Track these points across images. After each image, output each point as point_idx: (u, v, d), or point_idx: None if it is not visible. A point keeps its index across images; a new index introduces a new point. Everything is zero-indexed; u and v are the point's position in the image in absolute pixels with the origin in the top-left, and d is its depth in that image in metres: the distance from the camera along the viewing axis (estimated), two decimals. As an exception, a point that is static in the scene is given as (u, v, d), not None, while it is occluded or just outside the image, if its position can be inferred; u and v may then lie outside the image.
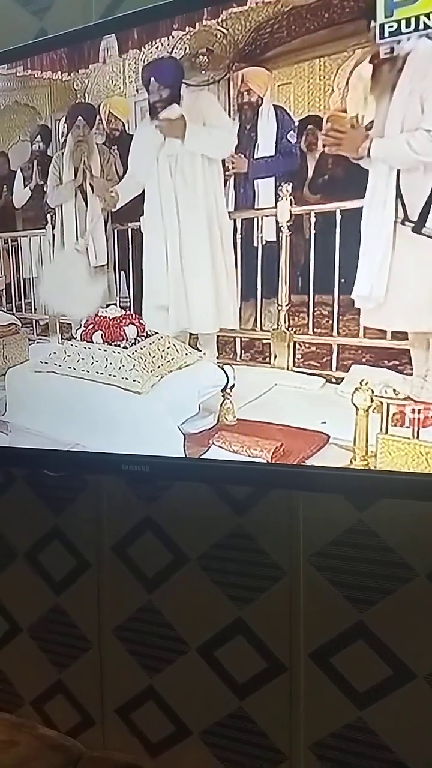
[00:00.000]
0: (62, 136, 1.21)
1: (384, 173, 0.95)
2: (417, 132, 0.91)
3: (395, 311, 0.94)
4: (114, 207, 1.18)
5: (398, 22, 0.93)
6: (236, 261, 1.08)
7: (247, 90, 1.06)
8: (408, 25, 0.92)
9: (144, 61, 1.13)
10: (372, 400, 0.96)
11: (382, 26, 0.94)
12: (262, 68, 1.04)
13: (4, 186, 1.30)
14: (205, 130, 1.09)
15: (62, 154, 1.22)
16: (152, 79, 1.12)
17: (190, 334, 1.13)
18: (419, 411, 0.93)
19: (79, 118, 1.19)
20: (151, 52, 1.11)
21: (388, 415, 0.95)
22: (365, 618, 1.17)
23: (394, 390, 0.95)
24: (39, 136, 1.24)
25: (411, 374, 0.94)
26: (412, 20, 0.92)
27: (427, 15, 0.91)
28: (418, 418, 0.93)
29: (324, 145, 1.00)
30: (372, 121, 0.96)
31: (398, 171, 0.93)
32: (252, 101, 1.06)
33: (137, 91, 1.14)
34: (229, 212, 1.08)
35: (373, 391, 0.96)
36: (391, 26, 0.93)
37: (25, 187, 1.28)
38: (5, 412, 1.32)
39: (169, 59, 1.10)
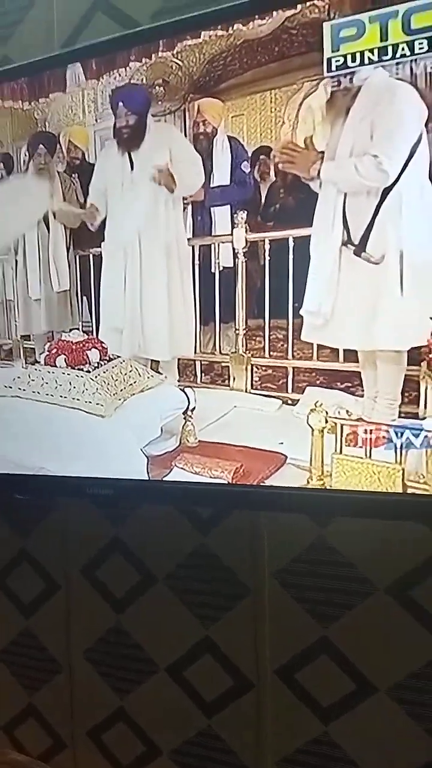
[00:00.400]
0: (24, 164, 1.23)
1: (332, 196, 0.98)
2: (365, 157, 0.95)
3: (341, 329, 0.97)
4: (74, 221, 1.20)
5: (344, 56, 0.96)
6: (194, 287, 1.11)
7: (203, 120, 1.09)
8: (354, 60, 0.96)
9: (105, 90, 1.15)
10: (326, 421, 0.99)
11: (329, 60, 0.98)
12: (217, 99, 1.07)
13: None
14: (185, 171, 1.11)
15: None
16: (120, 103, 1.14)
17: (152, 360, 1.15)
18: (371, 431, 0.96)
19: (40, 146, 1.21)
20: (109, 83, 1.13)
21: (341, 436, 0.98)
22: (329, 633, 1.18)
23: (347, 411, 0.97)
24: (1, 164, 1.26)
25: (362, 396, 0.97)
26: (357, 55, 0.96)
27: (371, 50, 0.95)
28: (370, 438, 0.96)
29: (278, 163, 1.02)
30: (326, 146, 0.99)
31: (345, 195, 0.97)
32: (207, 131, 1.09)
33: (96, 120, 1.16)
34: (187, 239, 1.11)
35: (327, 413, 0.99)
36: (338, 60, 0.97)
37: (-13, 214, 1.30)
38: (-30, 437, 1.32)
39: (138, 86, 1.12)
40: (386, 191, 0.94)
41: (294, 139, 0.99)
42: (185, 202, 1.10)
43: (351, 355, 0.98)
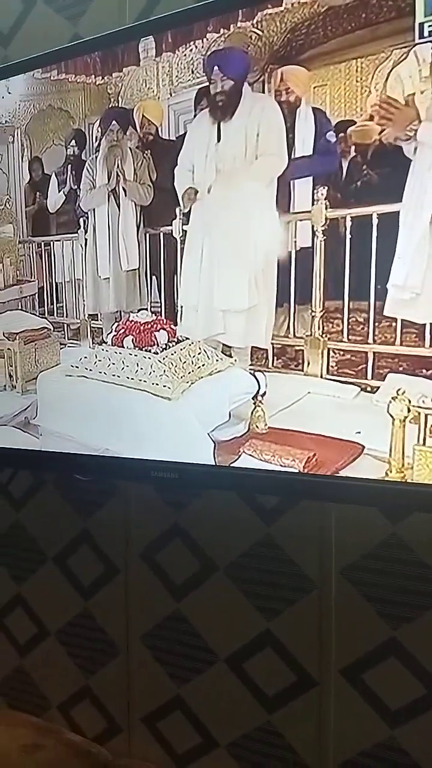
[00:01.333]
0: (96, 141, 1.21)
1: (427, 162, 0.91)
2: None
3: (430, 304, 0.91)
4: (145, 197, 1.16)
5: (439, 20, 0.90)
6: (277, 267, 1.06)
7: (286, 89, 1.03)
8: (450, 24, 0.89)
9: (181, 62, 1.11)
10: (409, 411, 0.93)
11: (421, 25, 0.91)
12: (302, 67, 1.02)
13: (38, 191, 1.31)
14: (269, 159, 1.06)
15: (96, 158, 1.22)
16: (216, 67, 1.08)
17: (223, 343, 1.11)
18: (458, 422, 0.90)
19: (113, 122, 1.19)
20: (185, 55, 1.09)
21: (425, 426, 0.92)
22: (398, 634, 1.13)
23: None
24: (73, 140, 1.24)
25: (450, 384, 0.91)
26: (454, 18, 0.89)
27: (469, 13, 0.88)
28: (458, 430, 0.90)
29: (373, 119, 0.96)
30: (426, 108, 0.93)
31: None
32: (290, 101, 1.03)
33: (171, 94, 1.13)
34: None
35: (410, 401, 0.93)
36: (431, 25, 0.91)
37: (59, 191, 1.28)
38: (36, 416, 1.32)
39: (237, 50, 1.06)
40: None
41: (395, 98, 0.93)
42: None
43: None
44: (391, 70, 0.95)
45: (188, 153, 1.12)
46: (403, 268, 0.92)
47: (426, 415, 0.92)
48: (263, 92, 1.05)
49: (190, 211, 1.12)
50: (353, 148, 0.99)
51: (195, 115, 1.10)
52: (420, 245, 0.91)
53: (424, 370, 0.93)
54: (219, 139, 1.09)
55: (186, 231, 1.12)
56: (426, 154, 0.92)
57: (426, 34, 0.92)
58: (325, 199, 1.00)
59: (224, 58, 1.07)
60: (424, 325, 0.93)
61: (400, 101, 0.93)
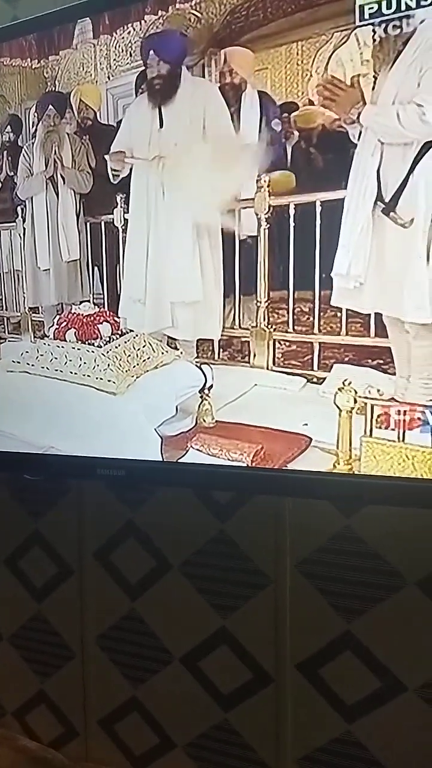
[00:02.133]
0: (32, 126, 1.16)
1: (370, 147, 0.90)
2: (409, 105, 0.86)
3: (373, 294, 0.90)
4: (84, 185, 1.12)
5: (378, 3, 0.88)
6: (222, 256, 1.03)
7: (229, 70, 1.00)
8: (389, 6, 0.87)
9: (118, 45, 1.07)
10: (355, 401, 0.91)
11: (362, 8, 0.89)
12: (246, 48, 0.99)
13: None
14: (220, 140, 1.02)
15: (32, 144, 1.17)
16: (151, 51, 1.05)
17: (167, 335, 1.08)
18: (405, 412, 0.88)
19: (50, 107, 1.14)
20: (123, 37, 1.05)
21: (372, 417, 0.90)
22: (353, 628, 1.12)
23: (378, 390, 0.90)
24: (9, 126, 1.19)
25: (395, 374, 0.89)
26: (393, 1, 0.87)
27: (409, -6, 0.86)
28: (404, 420, 0.88)
29: (314, 104, 0.93)
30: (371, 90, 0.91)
31: (382, 146, 0.89)
32: (235, 83, 1.00)
33: (109, 78, 1.09)
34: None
35: (356, 392, 0.91)
36: (372, 8, 0.89)
37: (-5, 178, 1.23)
38: (-23, 414, 1.27)
39: (174, 33, 1.03)
40: (426, 147, 0.86)
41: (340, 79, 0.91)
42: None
43: (383, 330, 0.90)
44: (332, 54, 0.92)
45: (125, 137, 1.08)
46: (346, 257, 0.90)
47: (372, 406, 0.90)
48: (203, 76, 1.01)
49: (129, 194, 1.08)
50: (297, 133, 0.97)
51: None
52: (363, 233, 0.89)
53: (369, 360, 0.91)
54: (162, 125, 1.05)
55: (127, 219, 1.09)
56: (369, 139, 0.90)
57: (366, 16, 0.90)
58: (267, 186, 0.97)
59: (160, 42, 1.04)
60: (369, 314, 0.91)
61: (345, 82, 0.91)
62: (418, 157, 0.86)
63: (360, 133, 0.91)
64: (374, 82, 0.90)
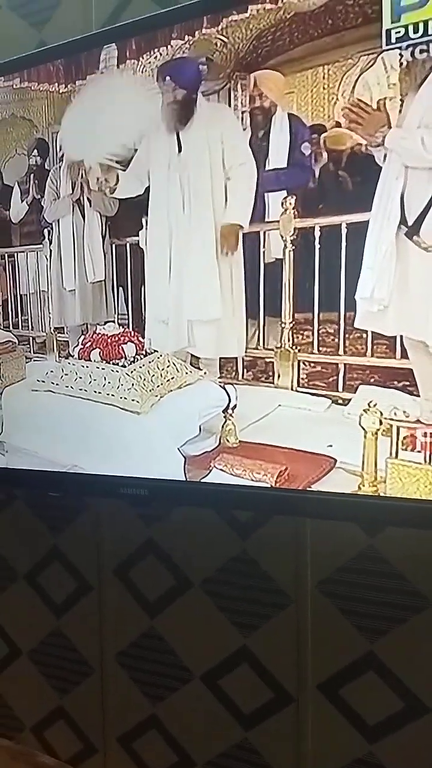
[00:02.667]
0: (59, 150, 1.18)
1: (395, 170, 0.90)
2: None
3: (397, 316, 0.90)
4: (109, 193, 1.13)
5: (405, 27, 0.89)
6: (245, 278, 1.04)
7: (259, 94, 1.01)
8: (416, 30, 0.88)
9: (145, 69, 1.09)
10: (381, 423, 0.91)
11: (388, 32, 0.90)
12: (277, 72, 1.00)
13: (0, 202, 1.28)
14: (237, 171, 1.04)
15: (59, 168, 1.19)
16: (168, 78, 1.06)
17: (192, 354, 1.09)
18: (431, 434, 0.88)
19: (77, 131, 1.16)
20: (149, 62, 1.07)
21: (398, 439, 0.90)
22: (376, 648, 1.11)
23: (404, 412, 0.90)
24: (36, 150, 1.21)
25: (420, 395, 0.89)
26: (421, 25, 0.88)
27: (436, 19, 0.87)
28: (430, 442, 0.88)
29: (341, 125, 0.94)
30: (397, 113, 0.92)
31: (406, 170, 0.89)
32: (265, 107, 1.01)
33: (136, 102, 1.10)
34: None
35: (381, 413, 0.91)
36: (398, 32, 0.89)
37: (22, 201, 1.25)
38: (2, 432, 1.28)
39: (187, 59, 1.05)
40: None
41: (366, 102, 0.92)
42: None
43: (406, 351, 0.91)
44: (358, 77, 0.93)
45: (141, 161, 1.09)
46: (370, 281, 0.91)
47: (398, 428, 0.90)
48: (229, 100, 1.02)
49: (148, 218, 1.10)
50: (326, 155, 0.97)
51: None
52: (387, 257, 0.90)
53: (395, 382, 0.91)
54: (180, 149, 1.06)
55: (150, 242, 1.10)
56: (394, 162, 0.91)
57: (393, 40, 0.91)
58: (293, 208, 0.98)
59: (175, 68, 1.06)
60: (395, 336, 0.92)
61: (372, 105, 0.91)
62: None
63: (385, 156, 0.92)
64: (401, 106, 0.91)
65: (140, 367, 1.11)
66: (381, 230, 0.90)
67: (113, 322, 1.16)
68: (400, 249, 0.90)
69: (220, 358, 1.07)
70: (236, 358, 1.06)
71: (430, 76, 0.88)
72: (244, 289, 1.04)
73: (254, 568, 1.21)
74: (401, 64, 0.90)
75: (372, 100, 0.92)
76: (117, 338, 1.12)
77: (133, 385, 1.10)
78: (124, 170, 1.12)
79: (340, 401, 0.97)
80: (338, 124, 0.95)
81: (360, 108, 0.92)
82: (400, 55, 0.90)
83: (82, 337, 1.18)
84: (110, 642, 1.40)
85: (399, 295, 0.91)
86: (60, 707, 1.48)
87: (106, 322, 1.16)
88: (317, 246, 0.97)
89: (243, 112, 1.02)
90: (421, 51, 0.89)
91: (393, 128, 0.91)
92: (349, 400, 0.96)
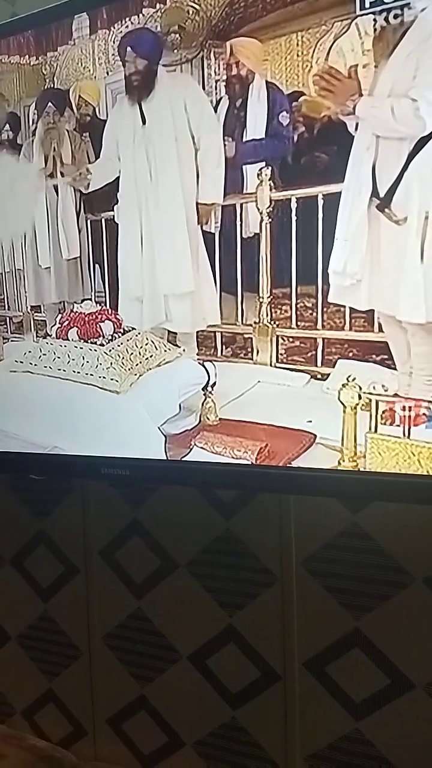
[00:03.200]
0: (32, 124, 1.16)
1: (366, 140, 0.88)
2: (403, 99, 0.84)
3: (370, 291, 0.89)
4: (85, 189, 1.11)
5: (380, -10, 0.86)
6: (218, 252, 1.02)
7: (236, 62, 0.98)
8: (391, -6, 0.86)
9: (116, 39, 1.06)
10: (360, 397, 0.90)
11: (363, -5, 0.87)
12: (254, 39, 0.97)
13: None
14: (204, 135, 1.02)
15: (32, 142, 1.16)
16: (129, 48, 1.04)
17: (168, 331, 1.07)
18: (410, 408, 0.87)
19: (49, 104, 1.13)
20: (121, 32, 1.04)
21: (377, 413, 0.89)
22: (361, 625, 1.11)
23: (383, 386, 0.88)
24: (7, 124, 1.18)
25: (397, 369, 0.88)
26: (395, -12, 0.85)
27: (411, -18, 0.84)
28: (409, 416, 0.87)
29: (314, 93, 0.92)
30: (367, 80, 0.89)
31: (377, 140, 0.87)
32: (242, 75, 0.98)
33: (107, 73, 1.07)
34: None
35: (360, 388, 0.90)
36: (373, -5, 0.87)
37: (-5, 178, 1.22)
38: (-20, 415, 1.26)
39: (148, 31, 1.02)
40: (421, 142, 0.84)
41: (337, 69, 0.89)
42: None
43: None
44: (332, 44, 0.91)
45: (111, 138, 1.08)
46: (342, 254, 0.89)
47: (377, 402, 0.89)
48: (202, 69, 1.00)
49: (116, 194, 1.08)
50: (302, 123, 0.95)
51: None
52: (359, 230, 0.88)
53: (374, 356, 0.90)
54: (144, 122, 1.04)
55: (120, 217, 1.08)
56: (365, 132, 0.88)
57: (367, 5, 0.88)
58: (269, 179, 0.96)
59: (136, 39, 1.03)
60: (372, 309, 0.90)
61: (343, 72, 0.89)
62: (413, 153, 0.84)
63: (357, 125, 0.89)
64: (374, 73, 0.88)
65: (118, 346, 1.09)
66: (353, 202, 0.88)
67: (90, 299, 1.14)
68: (372, 222, 0.88)
69: (198, 334, 1.05)
70: (215, 334, 1.04)
71: (401, 42, 0.85)
72: (218, 262, 1.02)
73: (239, 546, 1.21)
74: (375, 29, 0.87)
75: (346, 66, 0.89)
76: (94, 316, 1.11)
77: (111, 364, 1.09)
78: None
79: (319, 376, 0.95)
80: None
81: (331, 75, 0.90)
82: (374, 20, 0.88)
83: (59, 315, 1.16)
84: (98, 624, 1.40)
85: (371, 269, 0.89)
86: (49, 690, 1.48)
87: (83, 300, 1.14)
88: (294, 218, 0.95)
89: (217, 81, 0.99)
90: (395, 16, 0.86)
91: (364, 96, 0.88)
92: (328, 375, 0.94)
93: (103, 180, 1.10)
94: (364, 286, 0.89)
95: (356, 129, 0.88)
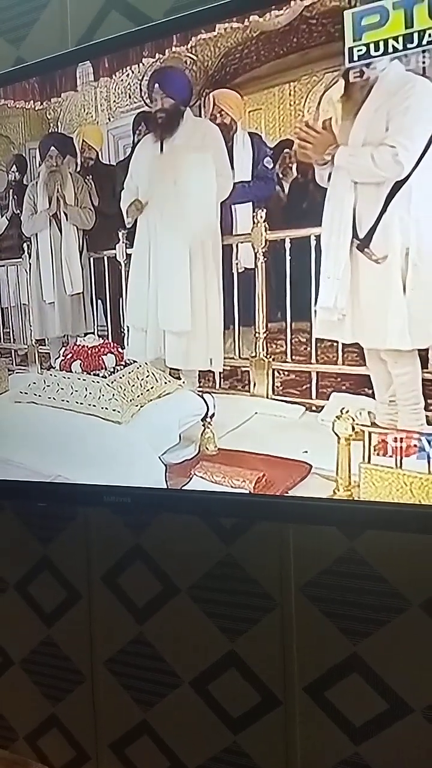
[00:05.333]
0: (37, 165, 1.20)
1: (345, 186, 0.94)
2: (381, 147, 0.91)
3: (356, 325, 0.94)
4: (87, 221, 1.16)
5: (367, 45, 0.91)
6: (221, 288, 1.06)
7: (219, 111, 1.04)
8: (377, 49, 0.91)
9: (118, 87, 1.11)
10: (353, 429, 0.93)
11: (351, 50, 0.93)
12: (234, 91, 1.02)
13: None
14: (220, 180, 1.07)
15: (36, 183, 1.21)
16: (156, 85, 1.08)
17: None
18: (401, 440, 0.90)
19: (52, 147, 1.18)
20: (122, 80, 1.09)
21: (370, 444, 0.92)
22: (359, 650, 1.13)
23: (369, 413, 0.92)
24: (14, 166, 1.24)
25: (394, 402, 0.91)
26: (381, 44, 0.90)
27: (395, 38, 0.89)
28: (401, 447, 0.90)
29: (295, 149, 0.98)
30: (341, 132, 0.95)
31: (355, 186, 0.93)
32: (226, 123, 1.04)
33: (109, 119, 1.12)
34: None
35: (354, 419, 0.93)
36: (360, 50, 0.92)
37: (2, 216, 1.27)
38: (-14, 444, 1.30)
39: (178, 69, 1.06)
40: (397, 185, 0.90)
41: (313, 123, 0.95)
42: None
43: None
44: (323, 93, 0.96)
45: (134, 175, 1.12)
46: (331, 291, 0.93)
47: (370, 434, 0.92)
48: (200, 116, 1.05)
49: (135, 228, 1.12)
50: (295, 167, 1.00)
51: (134, 140, 1.10)
52: (345, 267, 0.93)
53: (366, 389, 0.94)
54: (162, 152, 1.09)
55: (130, 254, 1.12)
56: (342, 179, 0.94)
57: (356, 58, 0.93)
58: (264, 221, 1.00)
59: (164, 77, 1.08)
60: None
61: (317, 127, 0.94)
62: (390, 195, 0.89)
63: (329, 176, 0.95)
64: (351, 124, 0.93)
65: (120, 378, 1.13)
66: (338, 242, 0.93)
67: (93, 333, 1.18)
68: (352, 261, 0.93)
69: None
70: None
71: (368, 96, 0.91)
72: (221, 301, 1.06)
73: (239, 572, 1.23)
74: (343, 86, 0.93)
75: (336, 116, 0.94)
76: (97, 349, 1.15)
77: (113, 395, 1.12)
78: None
79: (314, 408, 0.99)
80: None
81: (309, 129, 0.95)
82: (358, 73, 0.93)
83: (63, 348, 1.20)
84: (100, 649, 1.42)
85: (352, 304, 0.94)
86: (52, 715, 1.49)
87: (86, 334, 1.18)
88: (288, 257, 1.00)
89: (214, 126, 1.04)
90: (356, 75, 0.91)
91: (341, 146, 0.94)
92: (323, 407, 0.98)
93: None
94: (348, 320, 0.93)
95: (328, 180, 0.94)
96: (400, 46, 0.88)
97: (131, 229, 1.13)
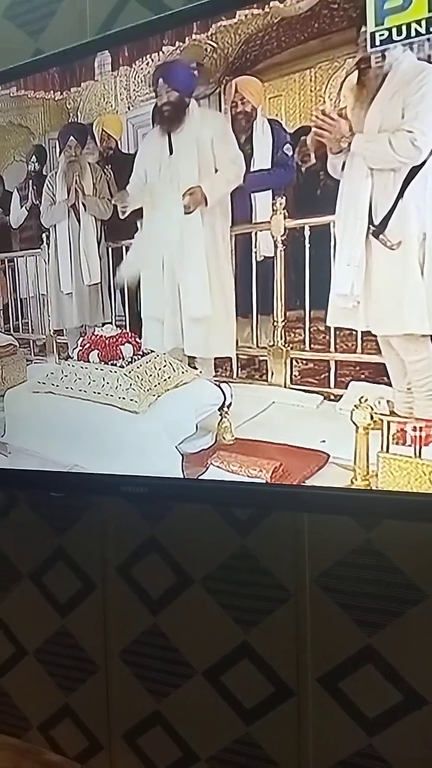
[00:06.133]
0: (57, 155, 1.21)
1: (361, 172, 0.94)
2: (399, 132, 0.90)
3: (372, 312, 0.94)
4: (105, 211, 1.17)
5: (389, 30, 0.91)
6: (234, 277, 1.06)
7: (241, 99, 1.04)
8: (399, 33, 0.90)
9: (137, 76, 1.11)
10: (372, 418, 0.93)
11: (372, 35, 0.92)
12: (256, 78, 1.02)
13: (0, 208, 1.30)
14: (226, 169, 1.07)
15: (55, 173, 1.22)
16: (161, 80, 1.09)
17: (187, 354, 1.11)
18: (420, 429, 0.90)
19: (71, 137, 1.18)
20: (141, 68, 1.09)
21: (388, 433, 0.92)
22: (374, 641, 1.13)
23: (387, 401, 0.92)
24: (34, 156, 1.24)
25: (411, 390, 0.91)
26: (404, 28, 0.90)
27: (418, 22, 0.88)
28: (420, 436, 0.90)
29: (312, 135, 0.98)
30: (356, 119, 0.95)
31: (372, 172, 0.93)
32: (247, 111, 1.04)
33: (129, 108, 1.13)
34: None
35: (372, 408, 0.93)
36: (382, 34, 0.91)
37: (21, 207, 1.28)
38: (4, 434, 1.30)
39: (181, 63, 1.07)
40: (414, 171, 0.89)
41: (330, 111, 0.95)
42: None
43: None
44: (344, 79, 0.95)
45: (141, 166, 1.12)
46: (347, 278, 0.93)
47: (389, 423, 0.92)
48: (219, 104, 1.05)
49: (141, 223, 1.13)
50: (313, 154, 0.99)
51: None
52: (361, 254, 0.93)
53: (385, 378, 0.93)
54: (171, 152, 1.09)
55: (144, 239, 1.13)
56: (359, 166, 0.94)
57: (377, 42, 0.93)
58: (283, 209, 1.00)
59: (168, 71, 1.08)
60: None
61: (334, 114, 0.94)
62: (407, 180, 0.89)
63: (343, 164, 0.95)
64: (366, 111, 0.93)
65: (138, 368, 1.13)
66: (354, 229, 0.93)
67: (111, 323, 1.18)
68: (367, 247, 0.93)
69: (215, 357, 1.09)
70: (230, 356, 1.07)
71: (382, 84, 0.91)
72: (234, 288, 1.06)
73: (253, 563, 1.23)
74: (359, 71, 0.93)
75: (352, 104, 0.94)
76: (115, 339, 1.15)
77: (131, 385, 1.13)
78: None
79: (332, 397, 0.99)
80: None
81: (325, 117, 0.95)
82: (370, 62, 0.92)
83: (81, 338, 1.21)
84: (114, 640, 1.42)
85: (366, 291, 0.93)
86: (66, 705, 1.50)
87: (103, 324, 1.19)
88: (307, 245, 0.99)
89: (232, 116, 1.04)
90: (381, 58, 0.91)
91: (356, 134, 0.93)
92: (341, 396, 0.97)
93: (132, 208, 1.14)
94: (362, 308, 0.93)
95: (342, 168, 0.94)
96: (423, 30, 0.88)
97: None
